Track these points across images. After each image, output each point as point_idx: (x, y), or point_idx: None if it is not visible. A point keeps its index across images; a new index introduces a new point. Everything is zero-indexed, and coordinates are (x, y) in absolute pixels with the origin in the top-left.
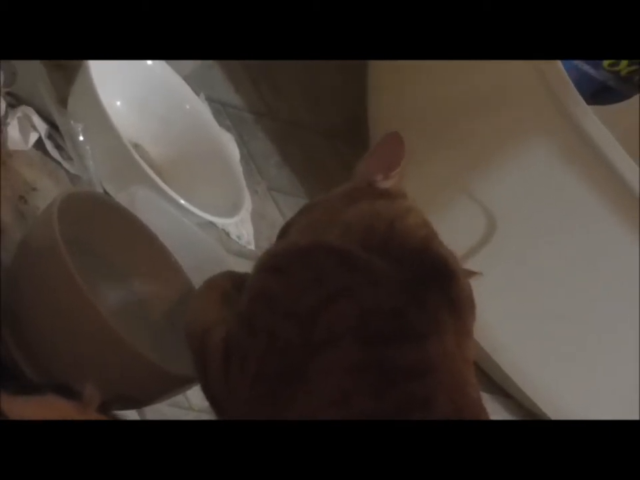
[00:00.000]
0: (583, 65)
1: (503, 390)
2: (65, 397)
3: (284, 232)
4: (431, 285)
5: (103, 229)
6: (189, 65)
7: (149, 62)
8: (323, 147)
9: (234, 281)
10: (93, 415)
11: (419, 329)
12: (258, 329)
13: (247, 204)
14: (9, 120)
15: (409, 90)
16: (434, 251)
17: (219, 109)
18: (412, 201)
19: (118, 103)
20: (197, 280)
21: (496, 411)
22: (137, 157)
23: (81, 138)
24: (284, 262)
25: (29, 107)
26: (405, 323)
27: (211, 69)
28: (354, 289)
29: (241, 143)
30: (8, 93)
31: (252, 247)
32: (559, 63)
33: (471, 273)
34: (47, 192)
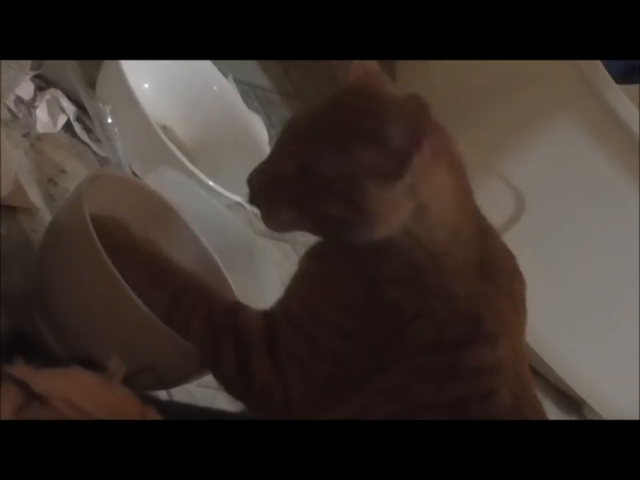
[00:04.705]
0: None
1: (533, 369)
2: (89, 369)
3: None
4: (495, 278)
5: (131, 209)
6: None
7: None
8: None
9: None
10: (117, 388)
11: (492, 331)
12: (326, 355)
13: None
14: (37, 103)
15: (436, 71)
16: (494, 238)
17: (247, 90)
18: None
19: (146, 85)
20: (225, 260)
21: None
22: (164, 138)
23: (109, 120)
24: (354, 299)
25: (58, 90)
26: (479, 327)
27: None
28: (430, 307)
29: (269, 124)
30: (37, 76)
31: None
32: None
33: None
34: (76, 174)
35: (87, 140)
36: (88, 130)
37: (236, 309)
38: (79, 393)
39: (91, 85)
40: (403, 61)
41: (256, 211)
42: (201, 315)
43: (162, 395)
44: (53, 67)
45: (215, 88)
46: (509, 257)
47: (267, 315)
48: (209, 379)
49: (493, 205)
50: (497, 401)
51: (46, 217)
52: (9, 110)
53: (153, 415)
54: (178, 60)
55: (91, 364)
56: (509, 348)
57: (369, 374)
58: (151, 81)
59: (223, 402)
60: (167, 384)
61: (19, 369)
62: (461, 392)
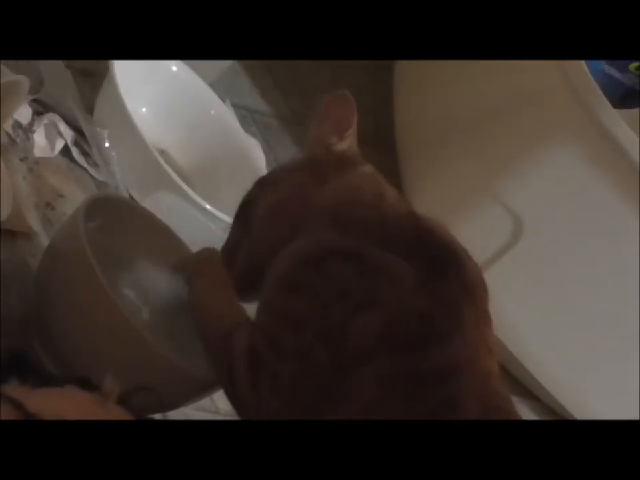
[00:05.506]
0: (610, 69)
1: (530, 392)
2: (84, 389)
3: (242, 214)
4: (445, 274)
5: (129, 233)
6: (215, 71)
7: (174, 68)
8: None
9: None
10: (112, 409)
11: (443, 329)
12: (287, 352)
13: None
14: (35, 127)
15: (434, 94)
16: (436, 234)
17: (245, 114)
18: (368, 165)
19: (144, 110)
20: None
21: (523, 414)
22: (162, 162)
23: (107, 144)
24: (300, 278)
25: (56, 114)
26: (429, 325)
27: (236, 74)
28: (376, 295)
29: (267, 149)
30: (34, 100)
31: None
32: (583, 66)
33: None
34: (74, 198)
35: (85, 164)
36: (86, 154)
37: (234, 331)
38: (73, 413)
39: (89, 109)
40: (399, 88)
41: None
42: (213, 336)
43: (158, 417)
44: (51, 91)
45: (212, 112)
46: (457, 246)
47: (251, 332)
48: (206, 402)
49: (490, 229)
50: (461, 413)
51: (43, 241)
52: (7, 134)
53: None
54: (170, 60)
55: (87, 384)
56: (464, 347)
57: (332, 378)
58: (148, 105)
59: None
60: (164, 406)
61: (14, 389)
62: (427, 403)
